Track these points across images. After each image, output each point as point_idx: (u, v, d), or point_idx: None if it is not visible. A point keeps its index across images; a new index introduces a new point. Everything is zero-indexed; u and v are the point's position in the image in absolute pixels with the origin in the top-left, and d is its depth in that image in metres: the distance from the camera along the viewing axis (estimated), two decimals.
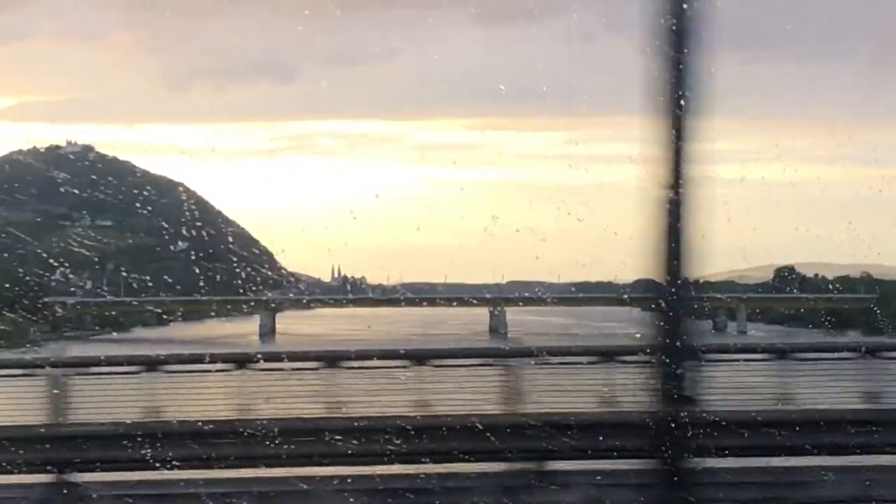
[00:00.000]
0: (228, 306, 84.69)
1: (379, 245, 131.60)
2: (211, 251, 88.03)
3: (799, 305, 74.18)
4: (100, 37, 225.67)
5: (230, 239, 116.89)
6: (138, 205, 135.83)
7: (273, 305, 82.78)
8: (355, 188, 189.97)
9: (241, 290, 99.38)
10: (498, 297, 77.60)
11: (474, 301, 74.45)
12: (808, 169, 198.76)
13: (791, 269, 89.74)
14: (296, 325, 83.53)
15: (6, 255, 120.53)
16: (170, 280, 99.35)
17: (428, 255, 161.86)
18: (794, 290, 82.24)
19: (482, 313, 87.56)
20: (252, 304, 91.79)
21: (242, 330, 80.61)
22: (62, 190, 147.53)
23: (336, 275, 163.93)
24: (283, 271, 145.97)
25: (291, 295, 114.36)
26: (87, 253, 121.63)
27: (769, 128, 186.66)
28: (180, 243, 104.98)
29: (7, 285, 65.79)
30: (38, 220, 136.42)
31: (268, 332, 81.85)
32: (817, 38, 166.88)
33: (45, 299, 69.53)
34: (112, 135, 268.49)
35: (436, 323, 79.82)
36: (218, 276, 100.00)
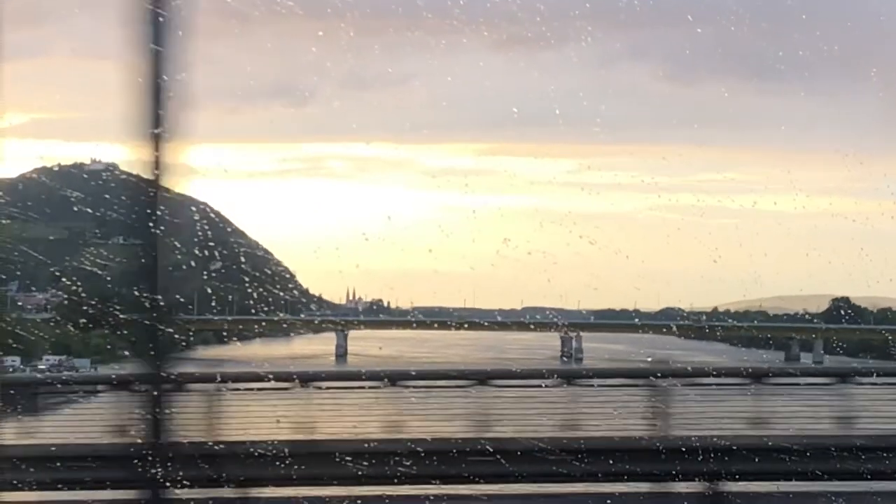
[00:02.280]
0: (298, 325, 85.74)
1: (388, 269, 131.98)
2: (240, 271, 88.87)
3: (867, 337, 74.74)
4: (114, 56, 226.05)
5: (254, 260, 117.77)
6: (165, 224, 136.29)
7: (342, 325, 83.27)
8: (364, 212, 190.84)
9: (269, 311, 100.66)
10: (572, 323, 78.39)
11: (529, 325, 74.88)
12: (820, 200, 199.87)
13: (847, 301, 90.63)
14: (360, 347, 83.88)
15: (45, 270, 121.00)
16: (211, 299, 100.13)
17: (439, 280, 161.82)
18: (859, 321, 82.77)
19: (531, 338, 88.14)
20: (299, 324, 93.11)
21: (312, 350, 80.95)
22: (88, 208, 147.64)
23: (351, 298, 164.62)
24: (308, 293, 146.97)
25: (317, 315, 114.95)
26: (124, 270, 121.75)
27: (782, 158, 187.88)
28: (216, 262, 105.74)
29: (87, 300, 66.08)
30: (70, 237, 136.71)
31: (343, 352, 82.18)
32: (832, 68, 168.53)
33: (125, 316, 69.60)
34: (124, 154, 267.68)
35: (494, 346, 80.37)
36: (253, 297, 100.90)
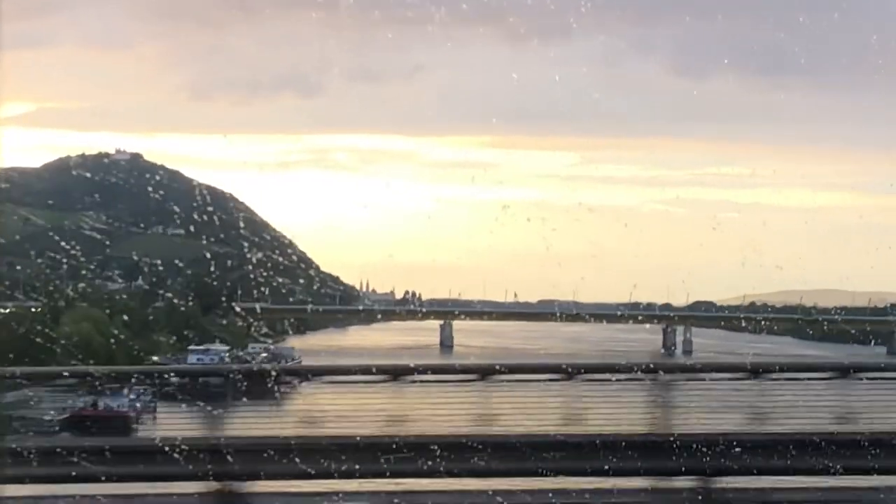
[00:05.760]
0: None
1: (394, 260, 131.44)
2: (279, 263, 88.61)
3: None
4: (124, 47, 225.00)
5: (282, 252, 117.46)
6: (204, 216, 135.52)
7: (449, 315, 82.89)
8: (368, 204, 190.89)
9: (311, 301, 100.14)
10: (677, 315, 78.46)
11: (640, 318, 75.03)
12: (830, 194, 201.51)
13: None
14: (465, 339, 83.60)
15: (85, 258, 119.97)
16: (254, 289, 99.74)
17: (440, 272, 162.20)
18: None
19: (586, 329, 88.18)
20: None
21: (417, 341, 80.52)
22: (122, 198, 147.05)
23: (365, 289, 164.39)
24: (339, 283, 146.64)
25: (373, 307, 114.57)
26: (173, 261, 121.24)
27: (791, 152, 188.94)
28: (257, 254, 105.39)
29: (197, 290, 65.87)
30: (109, 227, 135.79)
31: (451, 344, 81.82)
32: (842, 63, 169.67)
33: (237, 305, 69.60)
34: (132, 143, 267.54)
35: (577, 338, 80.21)
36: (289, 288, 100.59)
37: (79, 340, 38.11)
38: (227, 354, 59.23)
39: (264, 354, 57.06)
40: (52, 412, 26.07)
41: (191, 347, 60.66)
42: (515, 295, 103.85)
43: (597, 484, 17.84)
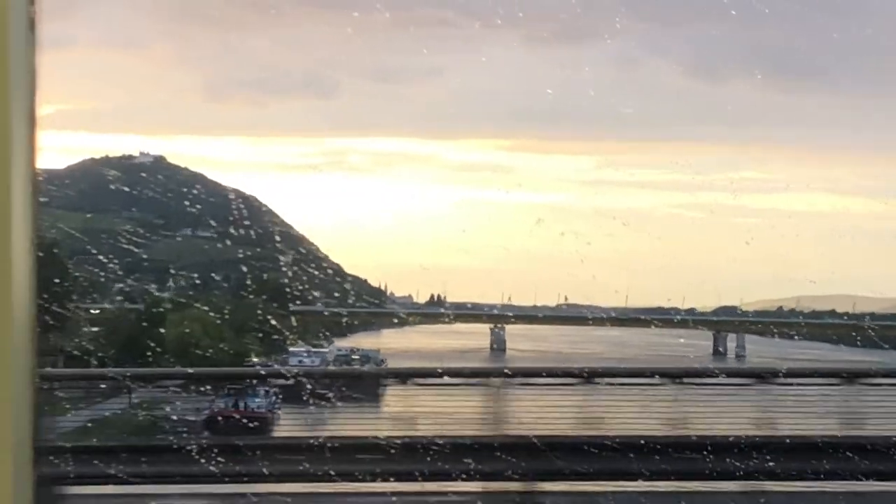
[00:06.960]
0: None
1: (412, 264, 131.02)
2: (314, 266, 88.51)
3: None
4: (140, 47, 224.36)
5: (317, 254, 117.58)
6: (231, 219, 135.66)
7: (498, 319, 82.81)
8: (387, 207, 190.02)
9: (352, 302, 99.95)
10: (726, 320, 78.37)
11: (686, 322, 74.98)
12: (849, 200, 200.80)
13: None
14: (509, 342, 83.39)
15: (121, 259, 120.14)
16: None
17: (463, 275, 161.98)
18: None
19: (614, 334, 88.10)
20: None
21: (465, 344, 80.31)
22: (148, 199, 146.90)
23: (384, 293, 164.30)
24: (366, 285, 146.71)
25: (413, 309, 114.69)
26: (205, 262, 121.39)
27: (808, 158, 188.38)
28: (289, 256, 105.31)
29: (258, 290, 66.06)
30: (137, 229, 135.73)
31: (503, 346, 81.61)
32: (858, 66, 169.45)
33: (291, 307, 69.57)
34: (152, 145, 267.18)
35: (621, 343, 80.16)
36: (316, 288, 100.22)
37: (188, 342, 38.14)
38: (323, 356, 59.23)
39: (356, 356, 56.89)
40: (192, 412, 26.16)
41: (291, 349, 60.66)
42: (566, 298, 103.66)
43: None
